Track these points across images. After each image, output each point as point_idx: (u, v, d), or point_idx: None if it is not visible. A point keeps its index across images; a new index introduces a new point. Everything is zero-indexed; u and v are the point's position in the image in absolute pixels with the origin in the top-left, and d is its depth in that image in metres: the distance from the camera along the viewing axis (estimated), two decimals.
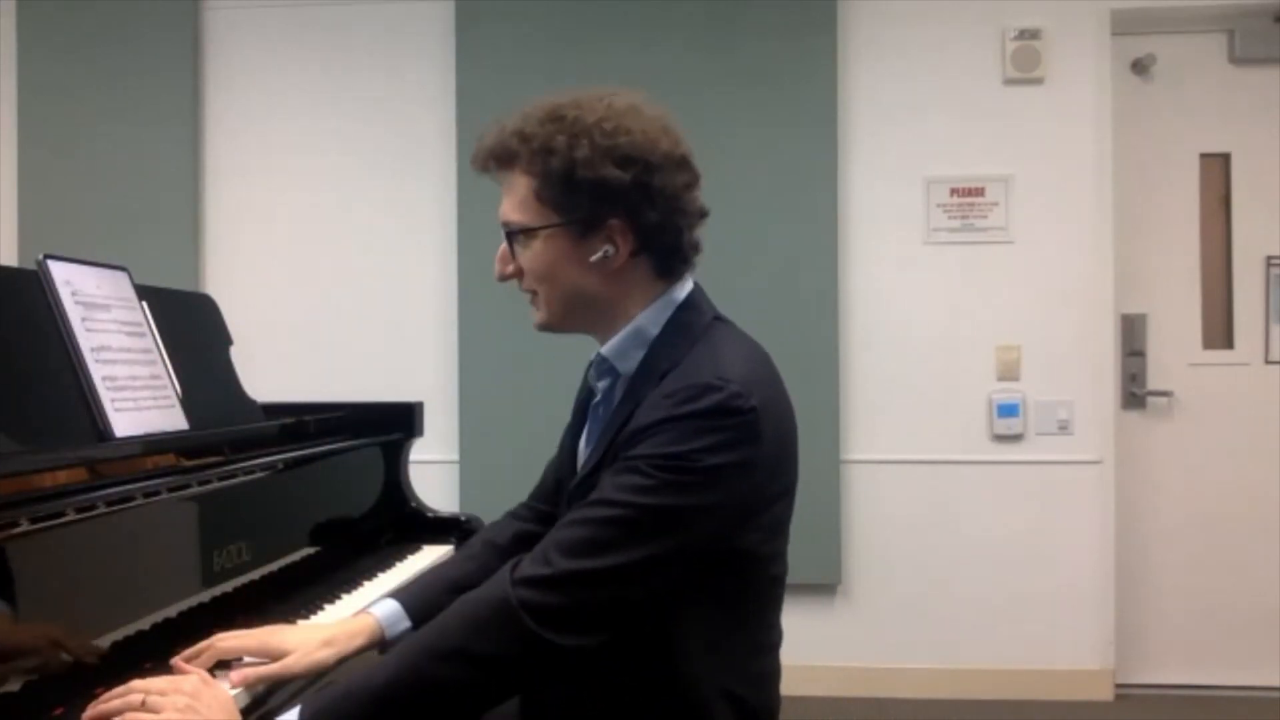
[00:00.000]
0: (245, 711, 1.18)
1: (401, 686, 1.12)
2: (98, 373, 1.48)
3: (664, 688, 1.22)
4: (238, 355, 1.98)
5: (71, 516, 1.22)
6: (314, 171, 3.56)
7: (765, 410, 1.19)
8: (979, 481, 3.40)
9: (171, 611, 1.35)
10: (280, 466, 1.73)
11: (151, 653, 1.27)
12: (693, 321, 1.29)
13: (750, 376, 1.20)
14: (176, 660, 1.23)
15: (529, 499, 1.60)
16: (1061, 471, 3.38)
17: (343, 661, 1.30)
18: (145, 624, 1.30)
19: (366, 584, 1.75)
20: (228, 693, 1.17)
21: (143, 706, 1.09)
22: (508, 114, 1.30)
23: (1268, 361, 3.44)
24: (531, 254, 1.29)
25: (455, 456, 3.46)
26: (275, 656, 1.26)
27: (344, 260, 3.55)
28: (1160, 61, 3.44)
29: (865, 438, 3.43)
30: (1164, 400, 3.46)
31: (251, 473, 1.64)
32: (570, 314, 1.32)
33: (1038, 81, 3.38)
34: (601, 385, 1.35)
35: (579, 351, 1.43)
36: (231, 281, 3.53)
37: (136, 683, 1.13)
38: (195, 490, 1.48)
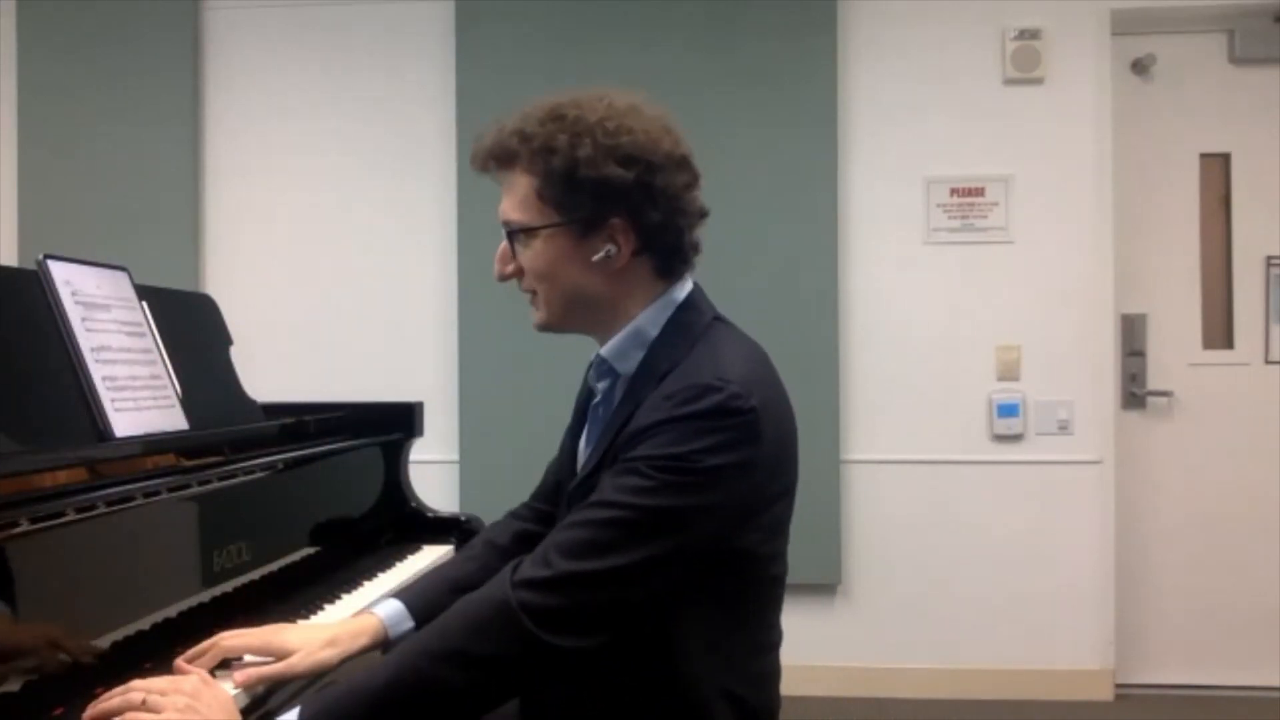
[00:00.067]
0: (245, 711, 1.18)
1: (402, 687, 1.12)
2: (98, 373, 1.48)
3: (664, 688, 1.22)
4: (238, 355, 1.98)
5: (71, 516, 1.22)
6: (314, 171, 3.56)
7: (765, 410, 1.19)
8: (979, 481, 3.40)
9: (171, 611, 1.35)
10: (280, 466, 1.73)
11: (152, 653, 1.27)
12: (692, 322, 1.29)
13: (750, 377, 1.20)
14: (179, 661, 1.23)
15: (530, 499, 1.60)
16: (1061, 471, 3.38)
17: (346, 661, 1.30)
18: (145, 624, 1.30)
19: (366, 584, 1.75)
20: (228, 693, 1.17)
21: (143, 706, 1.09)
22: (507, 114, 1.30)
23: (1268, 361, 3.45)
24: (532, 253, 1.29)
25: (455, 456, 3.46)
26: (279, 656, 1.26)
27: (344, 260, 3.55)
28: (1160, 61, 3.44)
29: (865, 438, 3.43)
30: (1164, 400, 3.46)
31: (251, 473, 1.64)
32: (570, 314, 1.31)
33: (1038, 81, 3.38)
34: (601, 386, 1.35)
35: (579, 351, 1.43)
36: (231, 281, 3.53)
37: (137, 682, 1.13)
38: (195, 490, 1.48)
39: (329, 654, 1.28)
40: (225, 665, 1.26)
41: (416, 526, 2.13)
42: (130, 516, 1.32)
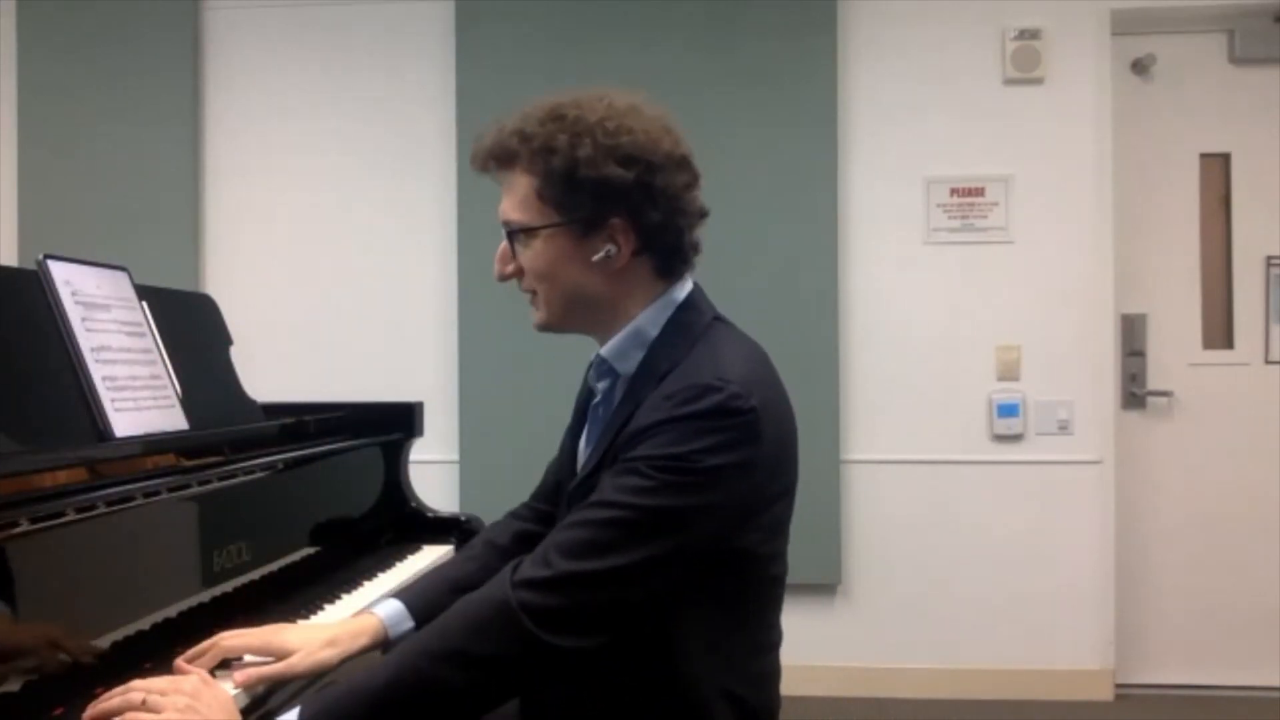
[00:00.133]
0: (245, 711, 1.18)
1: (401, 687, 1.12)
2: (98, 373, 1.48)
3: (664, 688, 1.22)
4: (238, 355, 1.98)
5: (71, 516, 1.22)
6: (314, 171, 3.56)
7: (765, 410, 1.19)
8: (979, 481, 3.40)
9: (171, 611, 1.35)
10: (280, 466, 1.73)
11: (152, 653, 1.27)
12: (692, 322, 1.29)
13: (750, 377, 1.20)
14: (179, 661, 1.23)
15: (530, 499, 1.60)
16: (1061, 471, 3.38)
17: (346, 661, 1.30)
18: (145, 624, 1.30)
19: (366, 584, 1.75)
20: (228, 693, 1.17)
21: (143, 706, 1.09)
22: (507, 114, 1.30)
23: (1268, 361, 3.45)
24: (532, 253, 1.29)
25: (455, 456, 3.46)
26: (279, 655, 1.26)
27: (344, 260, 3.55)
28: (1160, 61, 3.44)
29: (865, 438, 3.43)
30: (1164, 400, 3.46)
31: (251, 473, 1.64)
32: (570, 314, 1.31)
33: (1038, 81, 3.38)
34: (601, 386, 1.35)
35: (579, 351, 1.43)
36: (231, 281, 3.53)
37: (136, 683, 1.13)
38: (195, 490, 1.48)
39: (329, 654, 1.28)
40: (225, 665, 1.26)
41: (416, 526, 2.13)
42: (130, 516, 1.32)
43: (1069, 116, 3.37)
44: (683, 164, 1.29)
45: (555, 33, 3.42)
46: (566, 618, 1.13)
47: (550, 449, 1.57)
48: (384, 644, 1.36)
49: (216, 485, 1.52)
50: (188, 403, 1.67)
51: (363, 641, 1.33)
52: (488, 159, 1.30)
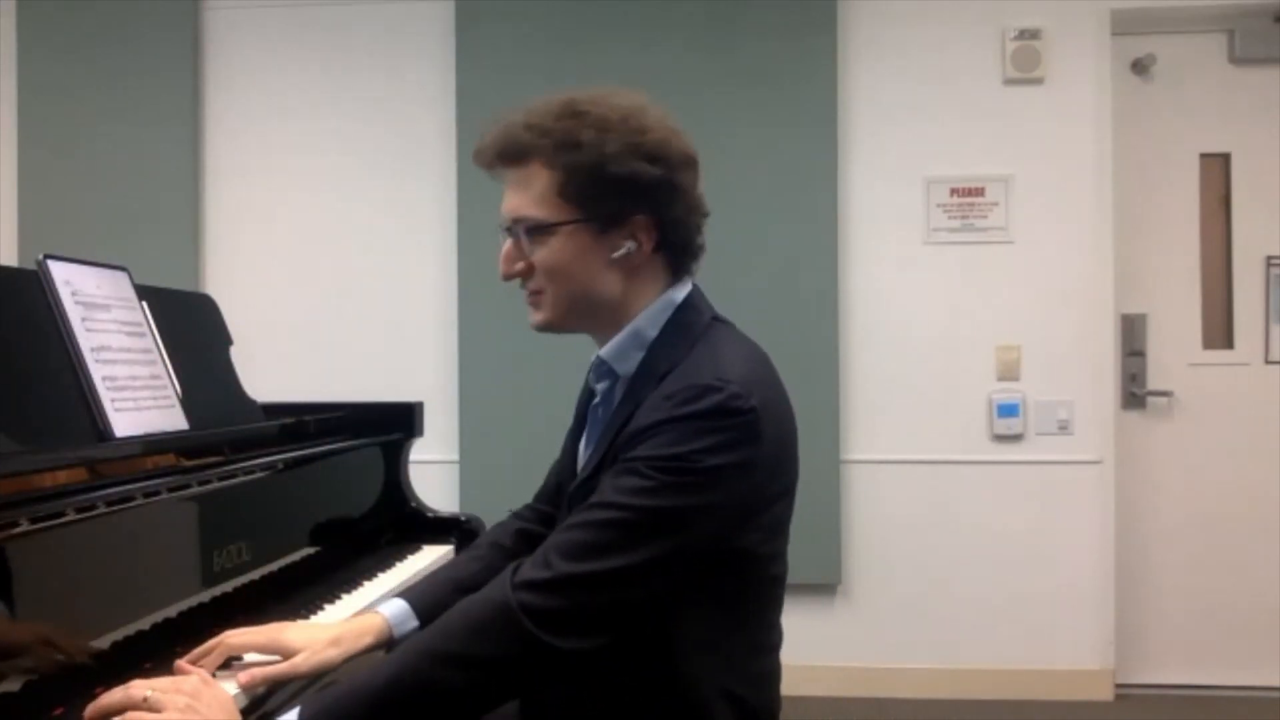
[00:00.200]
0: (245, 711, 1.18)
1: (402, 688, 1.12)
2: (98, 373, 1.48)
3: (664, 688, 1.22)
4: (238, 355, 1.98)
5: (71, 516, 1.22)
6: (314, 171, 3.56)
7: (765, 410, 1.19)
8: (979, 481, 3.40)
9: (171, 611, 1.35)
10: (280, 466, 1.73)
11: (152, 653, 1.27)
12: (692, 322, 1.29)
13: (750, 377, 1.20)
14: (180, 662, 1.23)
15: (533, 500, 1.60)
16: (1061, 471, 3.38)
17: (349, 660, 1.30)
18: (145, 624, 1.30)
19: (366, 584, 1.75)
20: (228, 693, 1.17)
21: (144, 704, 1.09)
22: (512, 107, 1.28)
23: (1268, 361, 3.45)
24: (549, 251, 1.27)
25: (455, 456, 3.46)
26: (283, 654, 1.26)
27: (344, 260, 3.55)
28: (1160, 61, 3.44)
29: (865, 438, 3.43)
30: (1164, 400, 3.46)
31: (251, 473, 1.64)
32: (576, 313, 1.30)
33: (1038, 81, 3.38)
34: (600, 387, 1.35)
35: (579, 352, 1.43)
36: (231, 281, 3.53)
37: (137, 682, 1.13)
38: (195, 490, 1.48)
39: (333, 653, 1.28)
40: (226, 665, 1.26)
41: (416, 526, 2.13)
42: (130, 516, 1.32)
43: (1069, 116, 3.37)
44: (693, 163, 1.30)
45: (555, 33, 3.42)
46: (567, 619, 1.13)
47: (550, 449, 1.57)
48: (388, 643, 1.35)
49: (216, 485, 1.52)
50: (188, 403, 1.67)
51: (367, 641, 1.33)
52: (498, 154, 1.28)
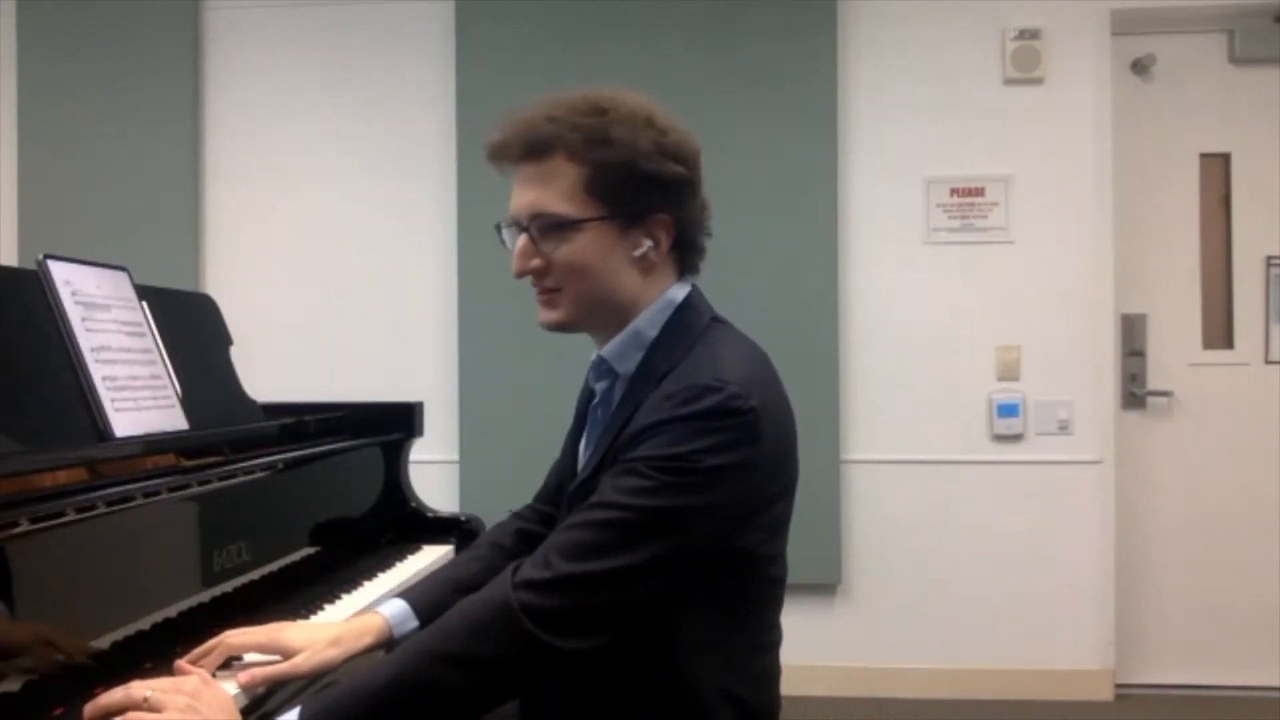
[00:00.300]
0: (245, 711, 1.18)
1: (402, 688, 1.12)
2: (98, 373, 1.48)
3: (664, 688, 1.22)
4: (238, 355, 1.98)
5: (71, 516, 1.22)
6: (314, 171, 3.56)
7: (765, 410, 1.19)
8: (979, 481, 3.40)
9: (171, 611, 1.35)
10: (280, 466, 1.73)
11: (152, 653, 1.27)
12: (691, 322, 1.29)
13: (749, 377, 1.20)
14: (180, 662, 1.23)
15: (533, 500, 1.60)
16: (1061, 471, 3.38)
17: (350, 660, 1.30)
18: (145, 624, 1.30)
19: (366, 584, 1.75)
20: (228, 693, 1.17)
21: (145, 704, 1.09)
22: (517, 106, 1.27)
23: (1268, 361, 3.45)
24: (572, 247, 1.25)
25: (455, 456, 3.46)
26: (284, 654, 1.26)
27: (344, 260, 3.55)
28: (1160, 61, 3.44)
29: (865, 438, 3.43)
30: (1164, 400, 3.46)
31: (251, 473, 1.64)
32: (593, 311, 1.29)
33: (1038, 81, 3.38)
34: (600, 386, 1.35)
35: (579, 351, 1.43)
36: (231, 281, 3.53)
37: (137, 683, 1.13)
38: (195, 490, 1.48)
39: (333, 653, 1.28)
40: (226, 665, 1.26)
41: (416, 526, 2.13)
42: (130, 516, 1.32)
43: (1069, 116, 3.37)
44: (700, 163, 1.31)
45: (555, 33, 3.42)
46: (567, 619, 1.13)
47: (550, 449, 1.57)
48: (388, 643, 1.35)
49: (216, 485, 1.52)
50: (188, 403, 1.67)
51: (367, 641, 1.33)
52: (526, 147, 1.25)
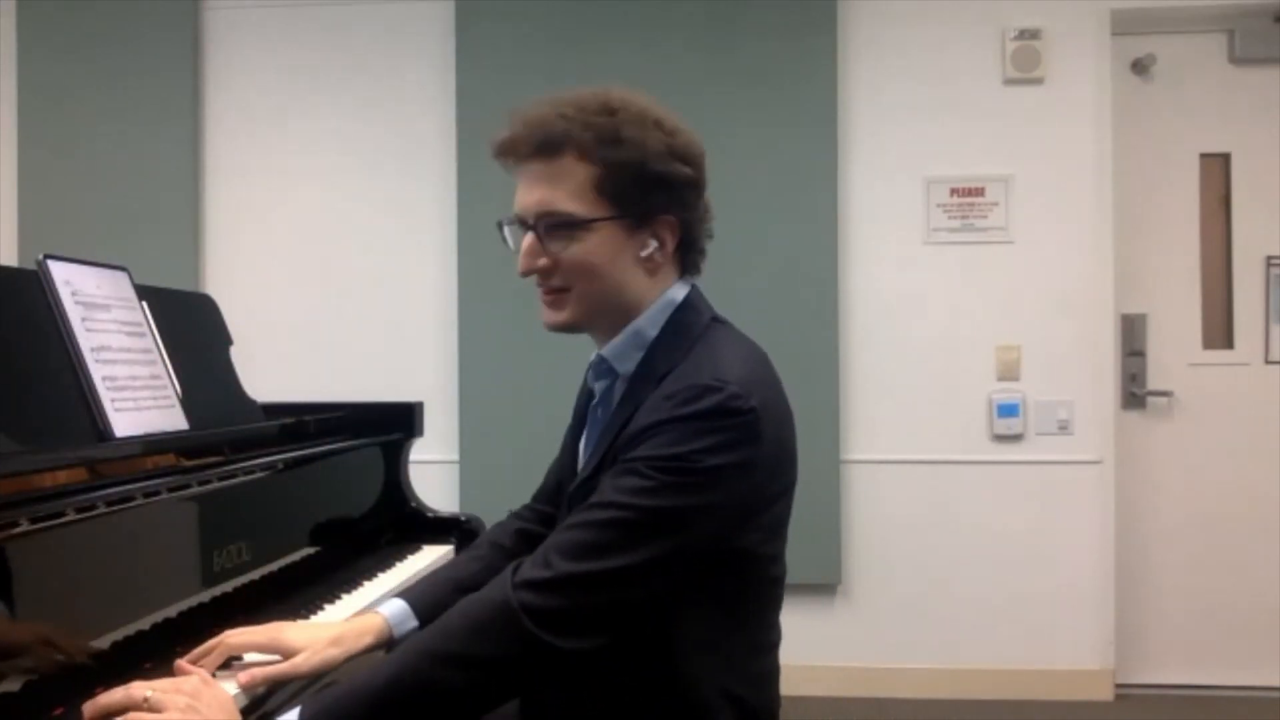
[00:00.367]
0: (245, 711, 1.18)
1: (402, 688, 1.12)
2: (98, 373, 1.48)
3: (664, 688, 1.22)
4: (238, 355, 1.98)
5: (71, 516, 1.22)
6: (314, 171, 3.56)
7: (765, 411, 1.19)
8: (979, 481, 3.40)
9: (171, 611, 1.35)
10: (280, 466, 1.73)
11: (152, 653, 1.27)
12: (691, 323, 1.29)
13: (749, 377, 1.20)
14: (180, 662, 1.23)
15: (533, 500, 1.60)
16: (1061, 471, 3.38)
17: (350, 660, 1.30)
18: (145, 624, 1.30)
19: (366, 584, 1.75)
20: (228, 693, 1.17)
21: (145, 704, 1.09)
22: (520, 104, 1.27)
23: (1268, 361, 3.45)
24: (580, 247, 1.24)
25: (455, 456, 3.46)
26: (284, 653, 1.26)
27: (344, 260, 3.55)
28: (1160, 61, 3.44)
29: (865, 438, 3.43)
30: (1164, 400, 3.46)
31: (251, 473, 1.64)
32: (599, 312, 1.28)
33: (1038, 81, 3.38)
34: (600, 386, 1.35)
35: (579, 351, 1.43)
36: (231, 281, 3.53)
37: (138, 683, 1.13)
38: (195, 490, 1.48)
39: (333, 653, 1.28)
40: (226, 665, 1.26)
41: (416, 526, 2.13)
42: (130, 516, 1.32)
43: (1069, 116, 3.37)
44: (704, 165, 1.31)
45: (555, 33, 3.42)
46: (567, 619, 1.13)
47: (550, 449, 1.57)
48: (388, 643, 1.35)
49: (216, 485, 1.52)
50: (188, 403, 1.67)
51: (367, 641, 1.33)
52: (538, 145, 1.24)
